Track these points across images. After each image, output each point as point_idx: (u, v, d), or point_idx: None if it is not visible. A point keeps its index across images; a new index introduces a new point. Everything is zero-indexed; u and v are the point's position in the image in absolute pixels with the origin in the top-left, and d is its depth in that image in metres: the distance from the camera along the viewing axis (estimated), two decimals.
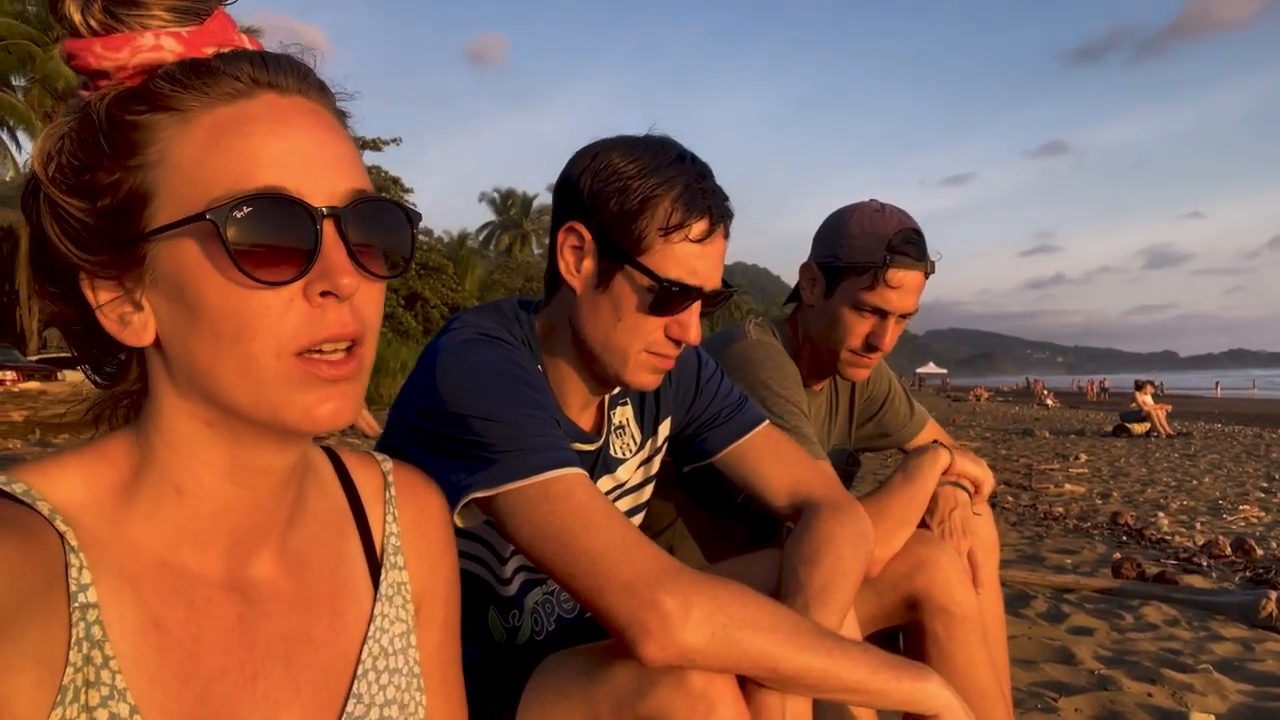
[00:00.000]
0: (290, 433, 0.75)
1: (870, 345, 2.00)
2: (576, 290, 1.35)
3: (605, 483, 1.52)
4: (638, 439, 1.58)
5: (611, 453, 1.52)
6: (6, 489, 0.70)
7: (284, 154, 0.71)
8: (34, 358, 24.13)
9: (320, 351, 0.72)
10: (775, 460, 1.56)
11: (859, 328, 1.99)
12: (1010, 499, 8.33)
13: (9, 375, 18.06)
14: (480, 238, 70.79)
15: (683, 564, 1.14)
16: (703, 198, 1.30)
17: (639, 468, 1.60)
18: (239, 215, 0.68)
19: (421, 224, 0.83)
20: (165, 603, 0.74)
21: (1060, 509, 7.71)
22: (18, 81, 29.72)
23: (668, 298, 1.30)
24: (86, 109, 0.72)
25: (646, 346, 1.34)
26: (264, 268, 0.69)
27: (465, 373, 1.24)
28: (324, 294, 0.71)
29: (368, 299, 0.75)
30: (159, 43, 0.71)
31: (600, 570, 1.11)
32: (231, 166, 0.70)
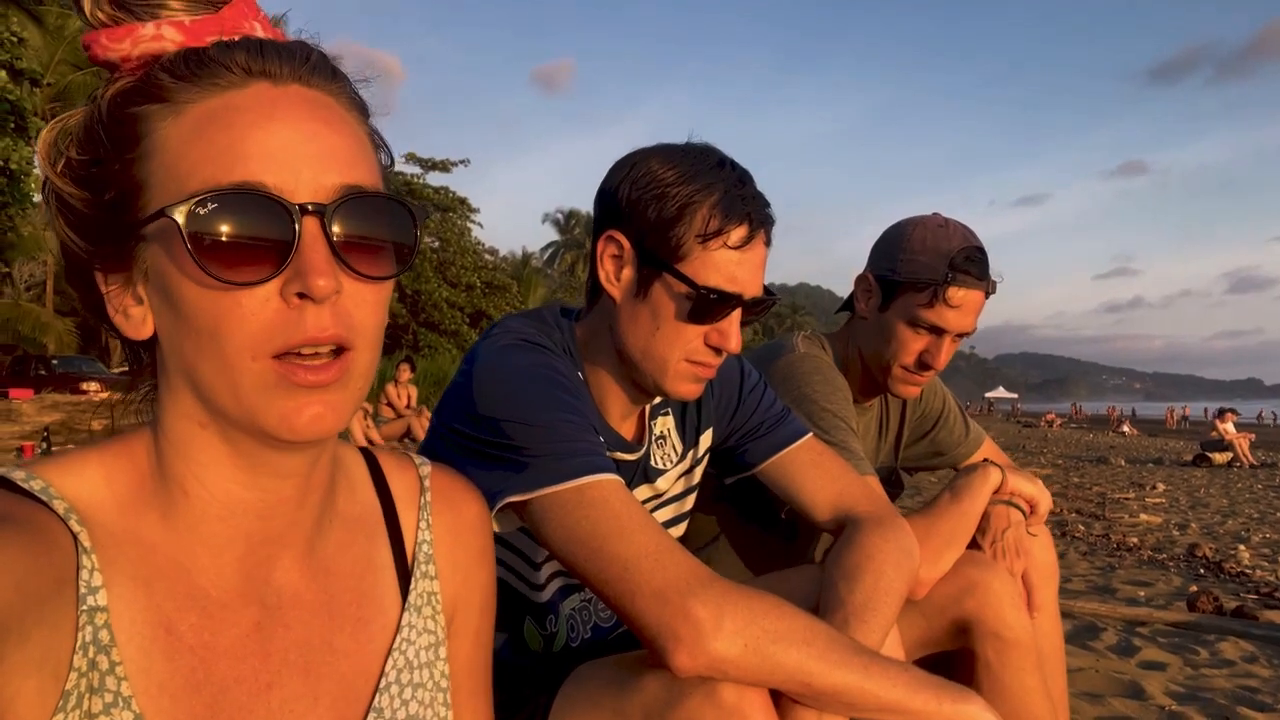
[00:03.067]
0: (272, 440, 0.71)
1: (923, 363, 1.95)
2: (616, 299, 1.34)
3: (644, 492, 1.50)
4: (679, 449, 1.57)
5: (653, 463, 1.51)
6: (24, 485, 0.69)
7: (266, 147, 0.67)
8: (117, 370, 25.13)
9: (300, 355, 0.68)
10: (818, 473, 1.52)
11: (913, 344, 1.94)
12: (1082, 528, 8.05)
13: (93, 386, 18.89)
14: (544, 257, 71.63)
15: (716, 574, 1.12)
16: (742, 204, 1.28)
17: (680, 478, 1.58)
18: (202, 211, 0.65)
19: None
20: (178, 607, 0.72)
21: (1134, 539, 7.41)
22: None
23: (707, 305, 1.28)
24: (94, 102, 0.72)
25: (686, 355, 1.32)
26: (233, 266, 0.66)
27: (502, 377, 1.24)
28: (300, 295, 0.67)
29: (358, 301, 0.71)
30: (159, 32, 0.70)
31: (632, 576, 1.10)
32: (211, 159, 0.67)
